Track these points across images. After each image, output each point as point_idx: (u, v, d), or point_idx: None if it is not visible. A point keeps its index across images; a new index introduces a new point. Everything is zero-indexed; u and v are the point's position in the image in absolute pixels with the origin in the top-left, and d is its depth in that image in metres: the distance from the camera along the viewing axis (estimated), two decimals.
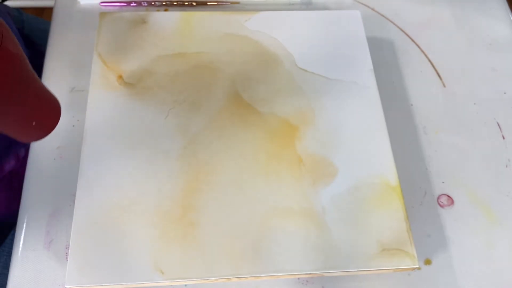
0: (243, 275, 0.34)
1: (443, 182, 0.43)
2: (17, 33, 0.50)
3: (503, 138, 0.46)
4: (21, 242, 0.38)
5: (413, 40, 0.51)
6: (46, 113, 0.32)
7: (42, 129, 0.32)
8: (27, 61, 0.28)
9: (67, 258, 0.37)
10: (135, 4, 0.50)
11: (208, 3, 0.51)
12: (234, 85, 0.41)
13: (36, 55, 0.51)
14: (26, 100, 0.29)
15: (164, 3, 0.51)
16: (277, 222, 0.35)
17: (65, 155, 0.41)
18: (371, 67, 0.43)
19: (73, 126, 0.43)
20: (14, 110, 0.28)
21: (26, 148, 0.48)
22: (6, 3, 0.56)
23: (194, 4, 0.51)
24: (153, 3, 0.51)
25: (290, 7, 0.52)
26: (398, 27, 0.52)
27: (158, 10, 0.50)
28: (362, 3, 0.53)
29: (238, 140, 0.38)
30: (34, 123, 0.31)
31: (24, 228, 0.38)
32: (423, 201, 0.42)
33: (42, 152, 0.41)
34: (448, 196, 0.42)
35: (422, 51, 0.50)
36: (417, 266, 0.35)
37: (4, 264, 0.45)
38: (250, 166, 0.37)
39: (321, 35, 0.45)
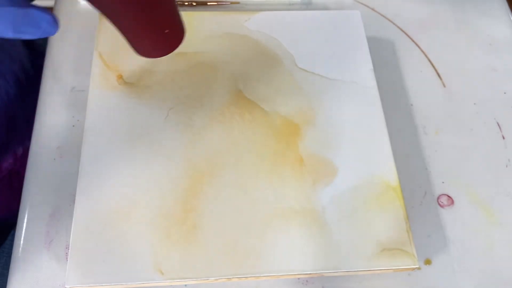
0: (243, 275, 0.34)
1: (443, 182, 0.43)
2: None
3: (503, 138, 0.46)
4: (21, 242, 0.38)
5: (413, 40, 0.51)
6: (177, 24, 0.32)
7: (170, 42, 0.33)
8: None
9: (67, 258, 0.37)
10: None
11: (208, 3, 0.51)
12: (235, 85, 0.41)
13: (36, 55, 0.51)
14: (164, 3, 0.29)
15: None
16: (277, 222, 0.35)
17: (65, 155, 0.41)
18: (371, 67, 0.43)
19: (73, 126, 0.43)
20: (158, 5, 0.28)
21: (24, 146, 0.48)
22: None
23: (194, 4, 0.51)
24: None
25: (290, 7, 0.52)
26: (398, 27, 0.52)
27: None
28: (362, 3, 0.53)
29: (240, 139, 0.38)
30: (167, 31, 0.31)
31: (24, 228, 0.38)
32: (423, 201, 0.42)
33: (42, 152, 0.41)
34: (448, 196, 0.42)
35: (422, 51, 0.50)
36: (417, 266, 0.35)
37: (4, 265, 0.45)
38: (251, 166, 0.37)
39: (321, 35, 0.44)
